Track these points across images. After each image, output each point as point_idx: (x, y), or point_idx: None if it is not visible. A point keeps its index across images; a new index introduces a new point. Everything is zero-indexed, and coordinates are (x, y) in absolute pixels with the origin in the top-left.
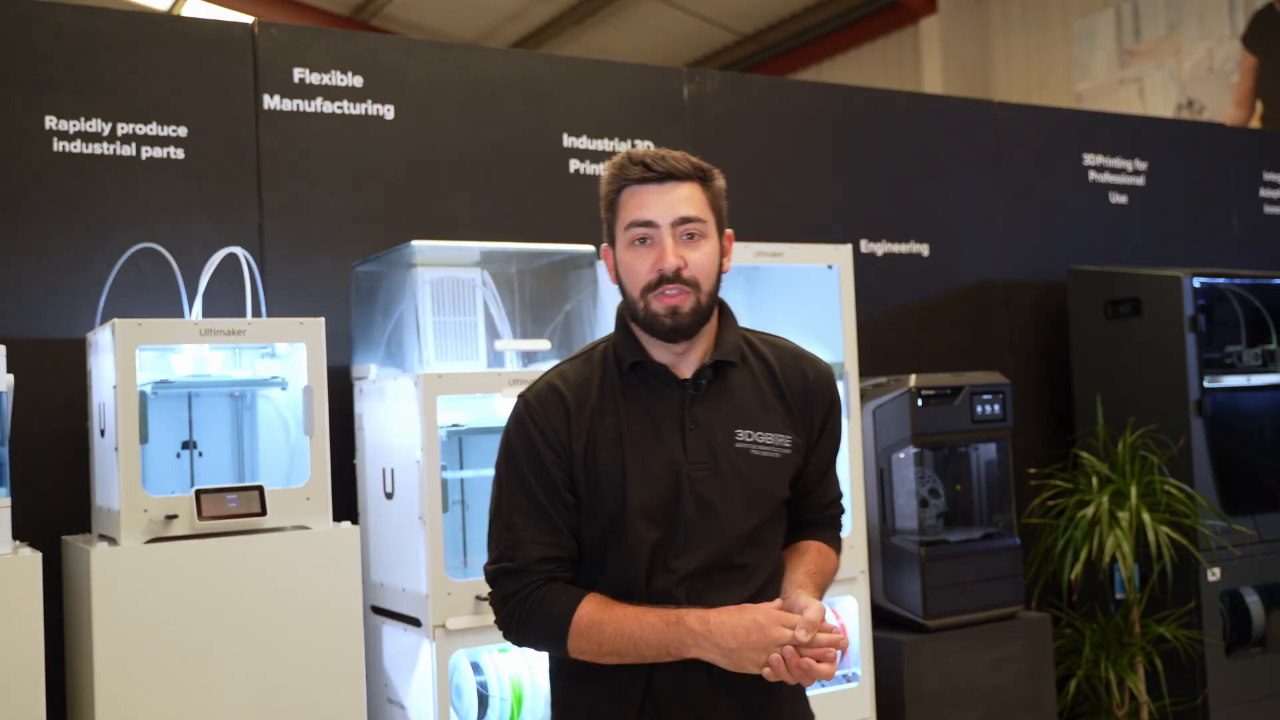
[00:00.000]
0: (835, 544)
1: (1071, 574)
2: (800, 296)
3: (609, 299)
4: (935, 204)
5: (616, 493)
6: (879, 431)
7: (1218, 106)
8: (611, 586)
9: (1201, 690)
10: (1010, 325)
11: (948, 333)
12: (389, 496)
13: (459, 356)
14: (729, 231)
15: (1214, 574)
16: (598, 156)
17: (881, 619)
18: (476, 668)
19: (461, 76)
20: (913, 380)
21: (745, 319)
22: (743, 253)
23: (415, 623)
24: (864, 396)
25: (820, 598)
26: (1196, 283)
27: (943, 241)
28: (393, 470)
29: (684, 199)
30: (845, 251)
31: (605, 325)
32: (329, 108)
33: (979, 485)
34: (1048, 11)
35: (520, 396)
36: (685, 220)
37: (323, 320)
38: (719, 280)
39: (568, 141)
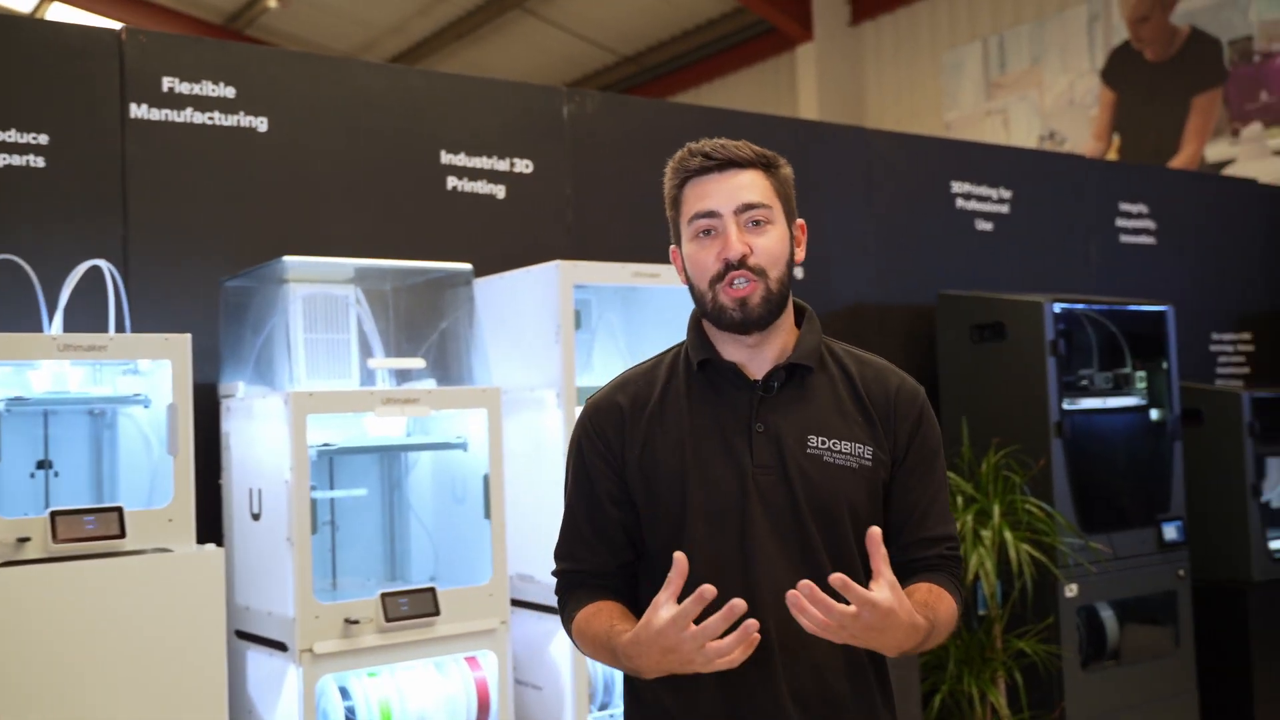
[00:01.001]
0: (952, 590)
1: None
2: (678, 318)
3: (486, 318)
4: (810, 228)
5: (677, 495)
6: None
7: (1078, 138)
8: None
9: (1059, 702)
10: (882, 347)
11: None
12: (256, 517)
13: (330, 375)
14: (800, 221)
15: (1071, 590)
16: (475, 174)
17: None
18: (345, 692)
19: (338, 90)
20: None
21: (622, 339)
22: (620, 273)
23: (282, 647)
24: None
25: (925, 636)
26: (1057, 308)
27: (817, 265)
28: (260, 490)
29: (746, 185)
30: None
31: (482, 344)
32: (199, 118)
33: None
34: (918, 43)
35: (586, 402)
36: (749, 207)
37: (189, 336)
38: (790, 269)
39: (446, 159)
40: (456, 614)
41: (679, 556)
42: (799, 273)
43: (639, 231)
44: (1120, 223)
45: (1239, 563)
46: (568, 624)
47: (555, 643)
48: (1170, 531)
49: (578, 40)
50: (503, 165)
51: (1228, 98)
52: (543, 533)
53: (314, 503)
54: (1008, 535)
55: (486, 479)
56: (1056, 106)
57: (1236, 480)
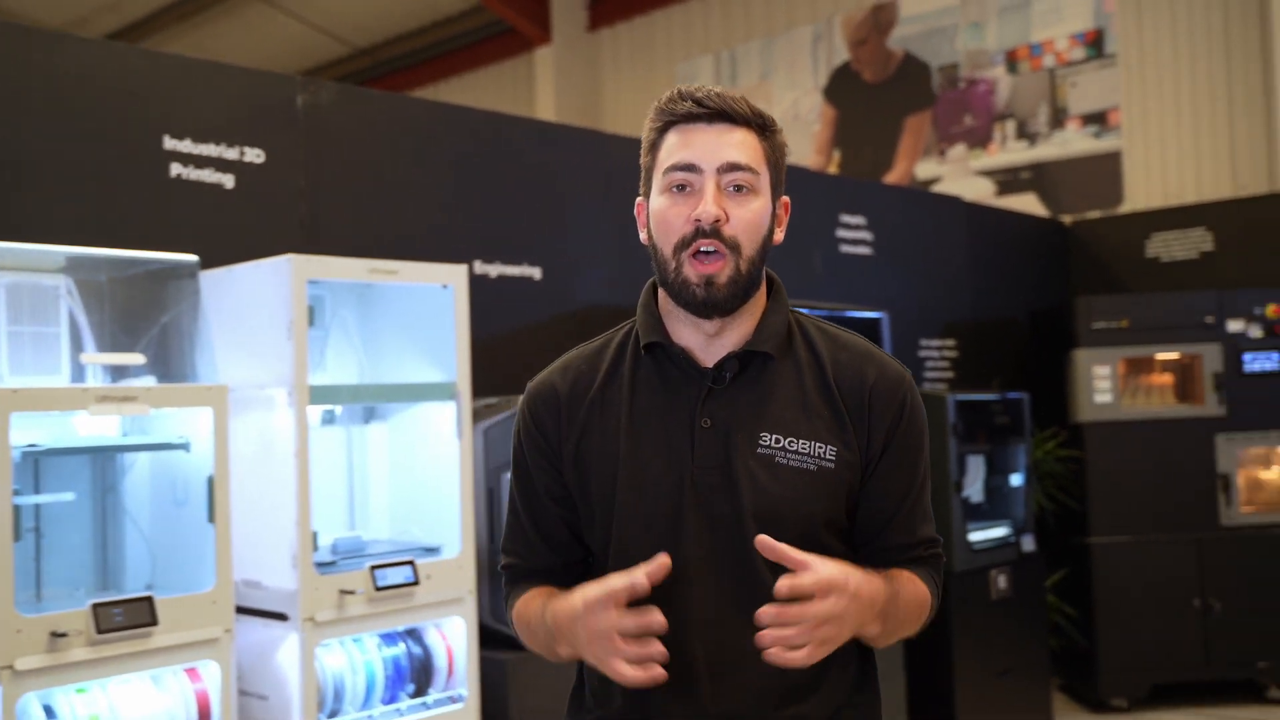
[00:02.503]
0: (929, 583)
1: None
2: (415, 315)
3: (214, 313)
4: (549, 229)
5: (607, 497)
6: (489, 451)
7: (801, 152)
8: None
9: None
10: None
11: (558, 354)
12: None
13: (38, 370)
14: (785, 199)
15: None
16: (202, 162)
17: (490, 639)
18: (49, 711)
19: (48, 66)
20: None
21: (357, 337)
22: (356, 269)
23: None
24: (476, 417)
25: (888, 605)
26: None
27: (556, 266)
28: None
29: (736, 143)
30: (460, 271)
31: (208, 340)
32: None
33: None
34: (654, 52)
35: (528, 384)
36: (735, 167)
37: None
38: (765, 248)
39: (169, 144)
40: (176, 623)
41: (662, 559)
42: (536, 274)
43: (376, 227)
44: (841, 233)
45: (957, 557)
46: (509, 617)
47: (282, 650)
48: None
49: (310, 29)
50: (232, 154)
51: (936, 120)
52: (271, 536)
53: (17, 509)
54: None
55: (211, 481)
56: (783, 121)
57: (941, 477)
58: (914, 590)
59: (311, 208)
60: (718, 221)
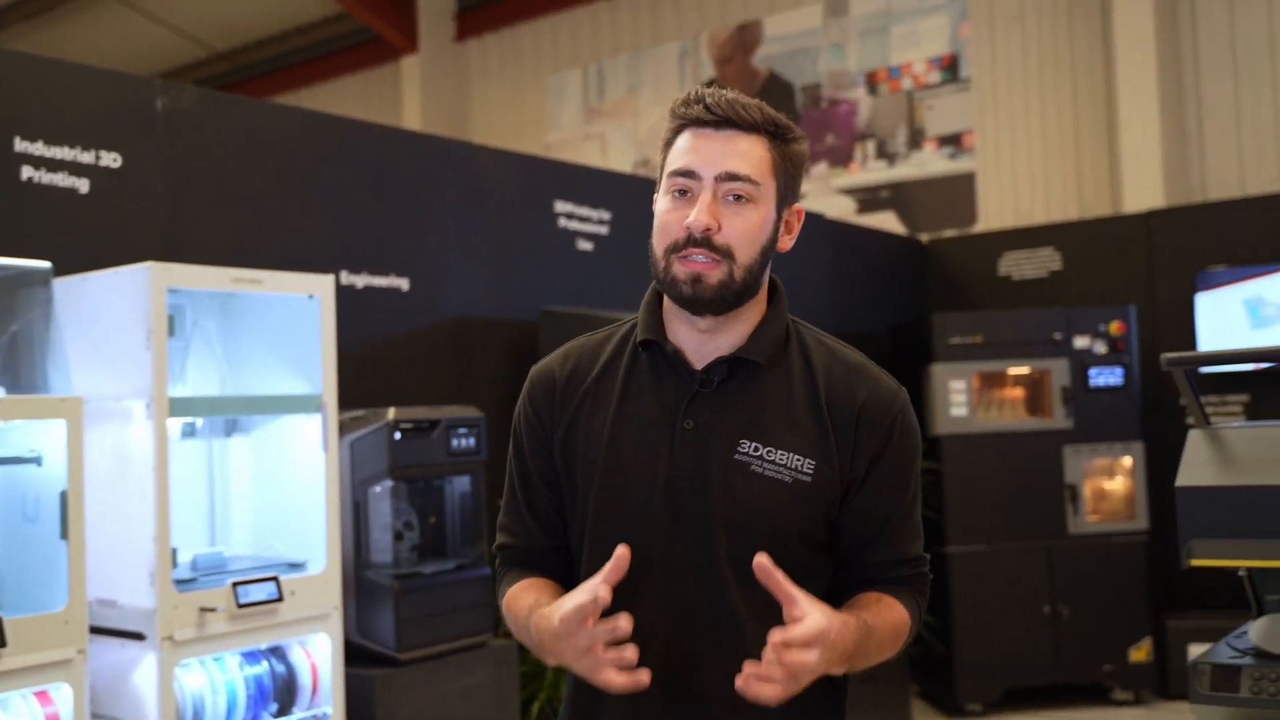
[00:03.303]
0: (910, 605)
1: None
2: (279, 326)
3: (68, 322)
4: (417, 239)
5: (586, 489)
6: (356, 464)
7: None
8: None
9: None
10: (486, 361)
11: (427, 367)
12: None
13: None
14: (798, 206)
15: None
16: (55, 165)
17: (356, 655)
18: None
19: None
20: (391, 413)
21: (219, 348)
22: (219, 278)
23: None
24: (343, 429)
25: (859, 646)
26: None
27: (424, 277)
28: None
29: (740, 153)
30: (327, 282)
31: (61, 350)
32: None
33: (453, 517)
34: (522, 64)
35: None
36: (732, 177)
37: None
38: (765, 257)
39: (20, 146)
40: (26, 645)
41: (620, 550)
42: (404, 285)
43: (240, 235)
44: None
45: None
46: (500, 603)
47: (139, 671)
48: None
49: (168, 31)
50: (87, 157)
51: None
52: (127, 553)
53: None
54: None
55: (64, 496)
56: (649, 135)
57: None
58: (891, 620)
59: (171, 214)
60: (708, 231)
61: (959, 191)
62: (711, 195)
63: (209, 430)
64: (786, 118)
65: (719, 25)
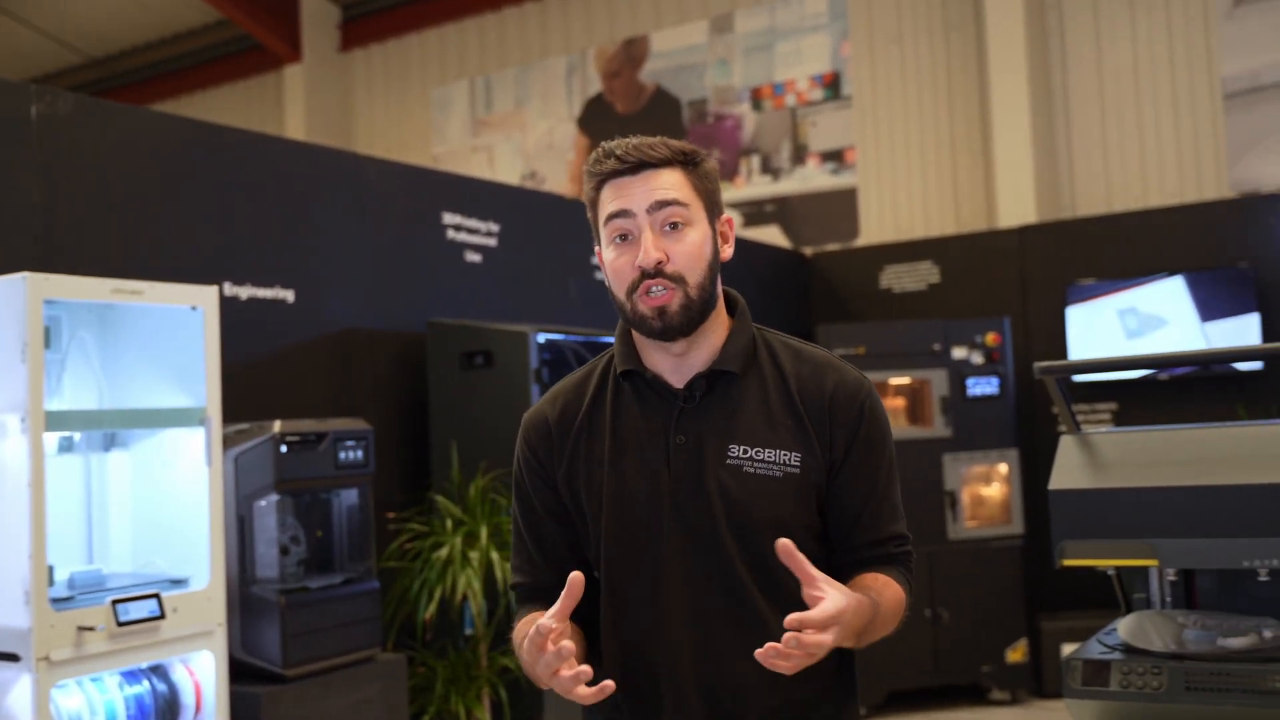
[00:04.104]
0: (903, 582)
1: (426, 614)
2: (161, 338)
3: None
4: (302, 251)
5: (597, 517)
6: (240, 478)
7: (556, 180)
8: (628, 625)
9: (539, 715)
10: (373, 373)
11: (313, 379)
12: None
13: None
14: (728, 215)
15: None
16: None
17: (241, 672)
18: None
19: None
20: (276, 426)
21: (97, 361)
22: (98, 289)
23: None
24: (227, 443)
25: (868, 624)
26: (541, 338)
27: (309, 288)
28: None
29: (662, 185)
30: (210, 293)
31: None
32: None
33: (340, 531)
34: (408, 75)
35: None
36: (664, 204)
37: None
38: (713, 271)
39: None
40: None
41: (574, 577)
42: (289, 296)
43: (120, 245)
44: (595, 260)
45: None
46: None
47: (14, 693)
48: None
49: (41, 37)
50: None
51: None
52: (1, 572)
53: None
54: (494, 556)
55: None
56: (537, 148)
57: None
58: (892, 596)
59: (48, 224)
60: (660, 264)
61: (841, 206)
62: (651, 231)
63: (87, 445)
64: (689, 143)
65: (606, 40)
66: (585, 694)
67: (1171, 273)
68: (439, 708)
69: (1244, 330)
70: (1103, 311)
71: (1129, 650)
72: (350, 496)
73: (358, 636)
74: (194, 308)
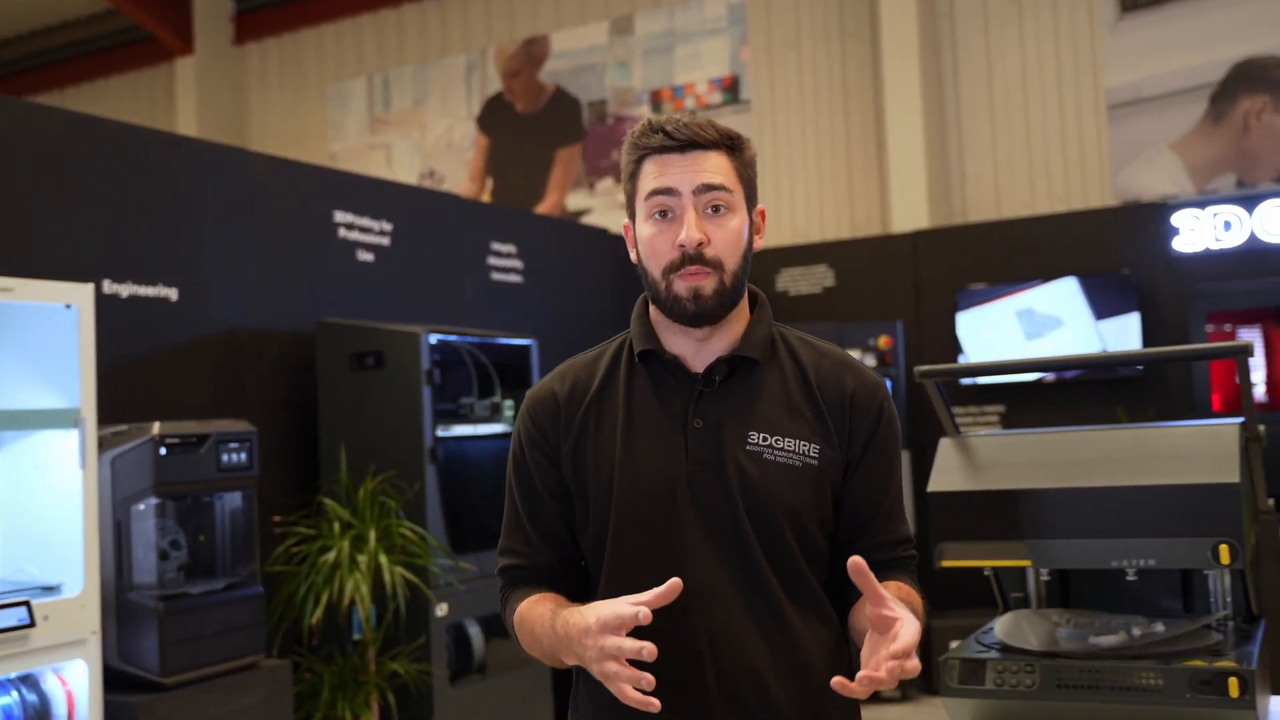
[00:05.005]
0: (919, 591)
1: (312, 619)
2: (34, 337)
3: None
4: (186, 248)
5: (604, 495)
6: (117, 482)
7: (455, 179)
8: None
9: (429, 718)
10: (259, 374)
11: (196, 380)
12: None
13: None
14: (761, 207)
15: (442, 609)
16: None
17: (116, 681)
18: None
19: None
20: (156, 428)
21: None
22: None
23: None
24: (103, 445)
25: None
26: (433, 339)
27: (193, 287)
28: None
29: (709, 168)
30: (86, 291)
31: None
32: None
33: (223, 535)
34: (305, 71)
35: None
36: (710, 188)
37: None
38: (746, 260)
39: None
40: None
41: (674, 582)
42: (173, 295)
43: None
44: (492, 260)
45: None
46: (509, 620)
47: None
48: None
49: None
50: None
51: (586, 153)
52: None
53: None
54: (383, 559)
55: None
56: (436, 147)
57: None
58: (919, 608)
59: None
60: (700, 245)
61: None
62: (695, 211)
63: None
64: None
65: (506, 39)
66: (633, 697)
67: (1061, 276)
68: (325, 714)
69: (1125, 333)
70: (1001, 313)
71: (1005, 649)
72: (234, 500)
73: (240, 643)
74: (68, 306)
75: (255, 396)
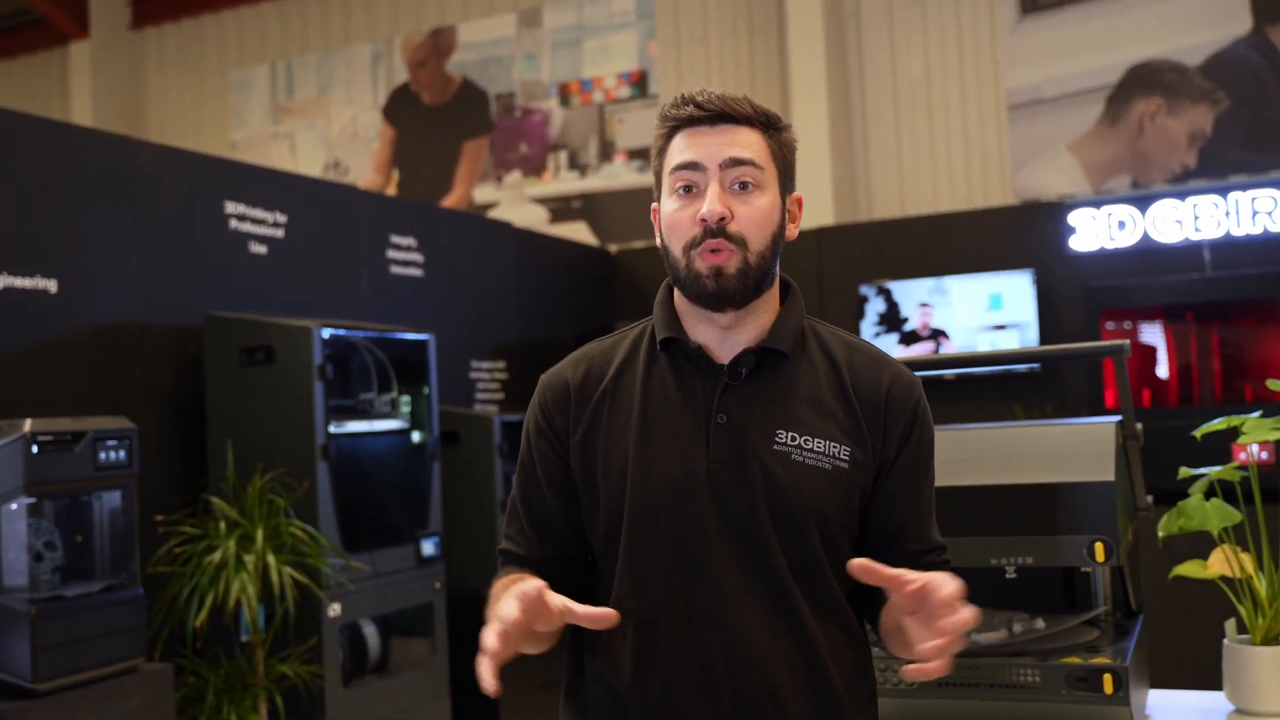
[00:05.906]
0: None
1: (196, 621)
2: None
3: None
4: (67, 239)
5: (616, 490)
6: None
7: (360, 170)
8: (629, 605)
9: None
10: (144, 369)
11: (77, 375)
12: None
13: None
14: (798, 195)
15: (334, 609)
16: None
17: None
18: None
19: None
20: (27, 425)
21: None
22: None
23: None
24: None
25: None
26: (326, 333)
27: (73, 278)
28: None
29: (739, 142)
30: None
31: None
32: None
33: (102, 535)
34: (205, 57)
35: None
36: (737, 162)
37: None
38: (775, 244)
39: None
40: None
41: (608, 613)
42: (51, 287)
43: None
44: (391, 254)
45: (488, 572)
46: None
47: None
48: (428, 547)
49: None
50: None
51: (494, 146)
52: None
53: None
54: (271, 559)
55: None
56: (341, 137)
57: (487, 495)
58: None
59: None
60: (723, 220)
61: (648, 204)
62: (720, 186)
63: None
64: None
65: (413, 29)
66: (483, 672)
67: (963, 274)
68: (210, 718)
69: (1024, 331)
70: (906, 306)
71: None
72: (113, 499)
73: (118, 646)
74: None
75: (139, 392)
